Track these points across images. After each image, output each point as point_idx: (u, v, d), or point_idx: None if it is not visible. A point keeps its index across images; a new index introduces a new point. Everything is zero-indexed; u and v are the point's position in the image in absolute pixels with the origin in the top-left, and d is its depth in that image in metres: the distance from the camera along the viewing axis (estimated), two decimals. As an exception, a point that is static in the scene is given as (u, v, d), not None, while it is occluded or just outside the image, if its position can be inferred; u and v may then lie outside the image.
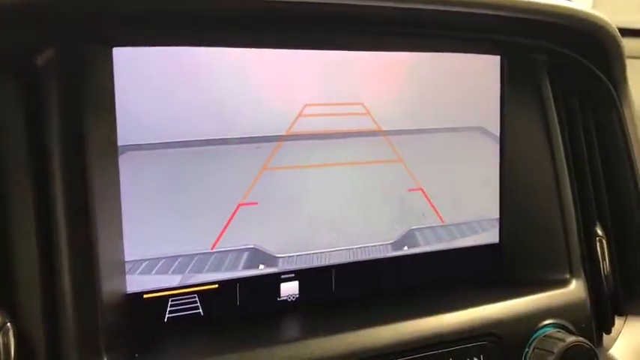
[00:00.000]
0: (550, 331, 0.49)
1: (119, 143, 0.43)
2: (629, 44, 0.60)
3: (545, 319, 0.50)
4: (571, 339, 0.47)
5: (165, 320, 0.46)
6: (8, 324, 0.37)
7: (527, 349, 0.48)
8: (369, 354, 0.44)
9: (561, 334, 0.48)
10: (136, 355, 0.41)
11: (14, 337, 0.37)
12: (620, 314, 0.60)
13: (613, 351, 0.58)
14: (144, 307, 0.45)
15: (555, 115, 0.57)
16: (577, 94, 0.60)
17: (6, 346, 0.37)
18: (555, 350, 0.47)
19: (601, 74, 0.58)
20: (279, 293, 0.49)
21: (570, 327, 0.50)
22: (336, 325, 0.45)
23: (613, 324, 0.59)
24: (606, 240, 0.58)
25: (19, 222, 0.39)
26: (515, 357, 0.48)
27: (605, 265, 0.57)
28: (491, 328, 0.48)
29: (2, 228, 0.39)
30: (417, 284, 0.54)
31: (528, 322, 0.49)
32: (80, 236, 0.39)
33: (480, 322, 0.48)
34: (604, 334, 0.58)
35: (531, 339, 0.48)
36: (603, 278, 0.57)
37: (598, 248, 0.57)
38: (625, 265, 0.60)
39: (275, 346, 0.42)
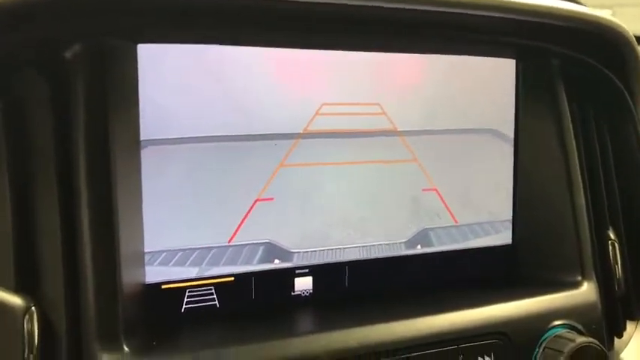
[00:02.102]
0: (561, 331, 0.49)
1: (141, 137, 0.44)
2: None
3: (555, 320, 0.50)
4: (581, 339, 0.48)
5: (182, 311, 0.47)
6: (33, 308, 0.38)
7: (537, 349, 0.49)
8: (382, 348, 0.44)
9: (572, 335, 0.49)
10: (154, 342, 0.42)
11: (38, 322, 0.39)
12: (632, 318, 0.60)
13: (624, 355, 0.58)
14: (162, 298, 0.46)
15: (570, 120, 0.57)
16: (592, 100, 0.60)
17: (30, 329, 0.38)
18: (565, 350, 0.47)
19: (617, 81, 0.59)
20: (294, 288, 0.50)
21: (581, 328, 0.51)
22: (350, 320, 0.46)
23: (624, 328, 0.59)
24: (619, 244, 0.58)
25: (44, 212, 0.40)
26: (525, 356, 0.49)
27: (618, 269, 0.57)
28: (502, 327, 0.48)
29: (28, 217, 0.40)
30: (430, 283, 0.55)
31: (539, 322, 0.49)
32: (102, 226, 0.40)
33: (491, 321, 0.48)
34: (615, 338, 0.58)
35: (542, 339, 0.49)
36: (615, 281, 0.57)
37: (610, 252, 0.58)
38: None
39: (289, 339, 0.43)
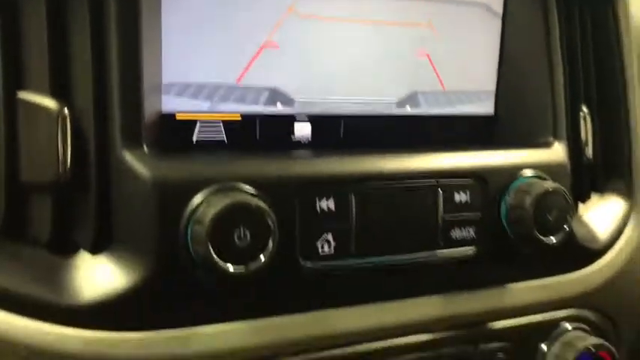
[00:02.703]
0: (531, 179, 0.55)
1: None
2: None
3: (527, 169, 0.56)
4: (550, 184, 0.53)
5: (194, 142, 0.52)
6: (65, 110, 0.43)
7: (508, 191, 0.54)
8: (374, 177, 0.50)
9: (541, 181, 0.54)
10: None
11: (70, 124, 0.43)
12: (597, 190, 0.66)
13: (585, 217, 0.64)
14: (176, 127, 0.51)
15: (555, 2, 0.62)
16: None
17: (63, 130, 0.43)
18: (534, 192, 0.52)
19: None
20: (294, 133, 0.55)
21: (550, 180, 0.56)
22: (346, 153, 0.51)
23: (589, 196, 0.65)
24: (590, 119, 0.64)
25: (76, 31, 0.45)
26: (496, 196, 0.54)
27: (588, 141, 0.63)
28: (478, 169, 0.54)
29: (61, 36, 0.44)
30: (416, 144, 0.60)
31: (512, 168, 0.55)
32: (129, 42, 0.45)
33: (468, 163, 0.54)
34: (580, 204, 0.65)
35: (513, 183, 0.54)
36: (584, 151, 0.63)
37: (582, 124, 0.63)
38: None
39: (290, 161, 0.49)
